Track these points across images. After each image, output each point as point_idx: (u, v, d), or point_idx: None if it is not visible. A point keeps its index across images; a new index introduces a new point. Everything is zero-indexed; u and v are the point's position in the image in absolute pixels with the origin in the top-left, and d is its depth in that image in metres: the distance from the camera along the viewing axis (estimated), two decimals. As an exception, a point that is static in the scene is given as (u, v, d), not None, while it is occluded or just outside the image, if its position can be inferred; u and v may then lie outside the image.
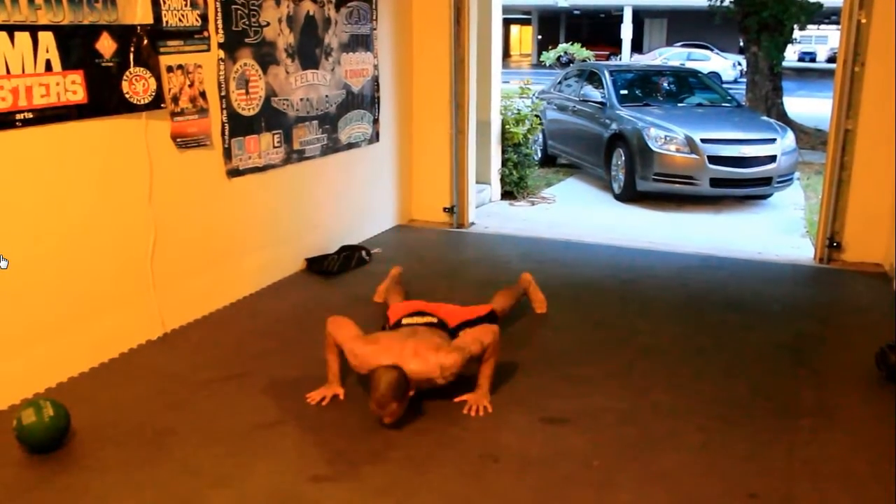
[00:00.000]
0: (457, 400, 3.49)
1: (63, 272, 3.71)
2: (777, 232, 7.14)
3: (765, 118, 10.05)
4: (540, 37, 45.46)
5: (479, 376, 3.57)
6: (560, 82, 11.02)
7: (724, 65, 30.30)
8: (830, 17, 24.57)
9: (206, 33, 4.37)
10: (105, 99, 3.79)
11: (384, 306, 4.36)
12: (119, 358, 4.00)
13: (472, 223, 6.93)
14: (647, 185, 8.19)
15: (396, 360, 3.32)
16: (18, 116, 3.39)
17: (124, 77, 3.88)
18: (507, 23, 39.21)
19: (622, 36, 27.83)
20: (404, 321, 3.83)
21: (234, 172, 4.71)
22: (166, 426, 3.35)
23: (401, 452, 3.14)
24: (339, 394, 3.60)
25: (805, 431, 3.34)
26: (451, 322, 3.88)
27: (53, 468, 3.03)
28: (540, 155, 10.33)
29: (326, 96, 5.51)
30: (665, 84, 10.29)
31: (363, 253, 5.69)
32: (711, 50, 32.29)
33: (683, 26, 38.33)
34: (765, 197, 8.50)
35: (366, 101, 6.00)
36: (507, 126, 8.18)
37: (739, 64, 27.71)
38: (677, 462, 3.09)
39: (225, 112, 4.58)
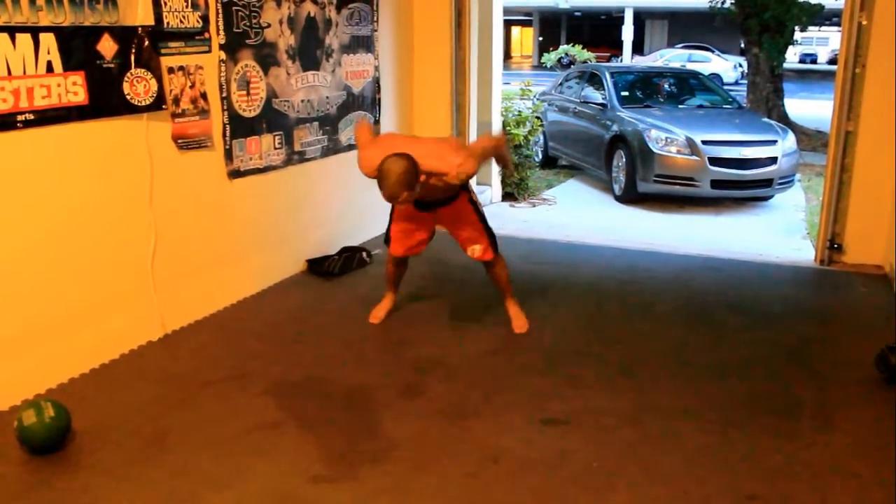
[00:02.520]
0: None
1: (64, 273, 3.72)
2: (778, 233, 7.14)
3: (766, 120, 10.05)
4: (541, 38, 45.48)
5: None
6: (561, 84, 11.02)
7: (724, 66, 30.30)
8: (832, 18, 24.55)
9: (207, 34, 4.38)
10: (106, 100, 3.80)
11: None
12: (120, 359, 4.00)
13: (473, 224, 6.91)
14: (647, 186, 8.19)
15: (412, 154, 3.46)
16: (20, 118, 3.40)
17: (125, 78, 3.89)
18: (507, 24, 39.26)
19: (623, 37, 27.84)
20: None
21: (235, 174, 4.72)
22: (166, 427, 3.35)
23: (401, 453, 3.14)
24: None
25: (805, 433, 3.34)
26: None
27: (54, 469, 3.04)
28: (541, 156, 10.33)
29: (327, 97, 5.52)
30: (666, 86, 10.29)
31: (364, 254, 5.70)
32: (712, 51, 32.30)
33: (684, 28, 38.37)
34: (766, 199, 8.50)
35: (366, 102, 6.01)
36: (508, 127, 8.18)
37: (740, 65, 27.70)
38: (677, 463, 3.09)
39: (226, 113, 4.58)
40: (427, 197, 3.86)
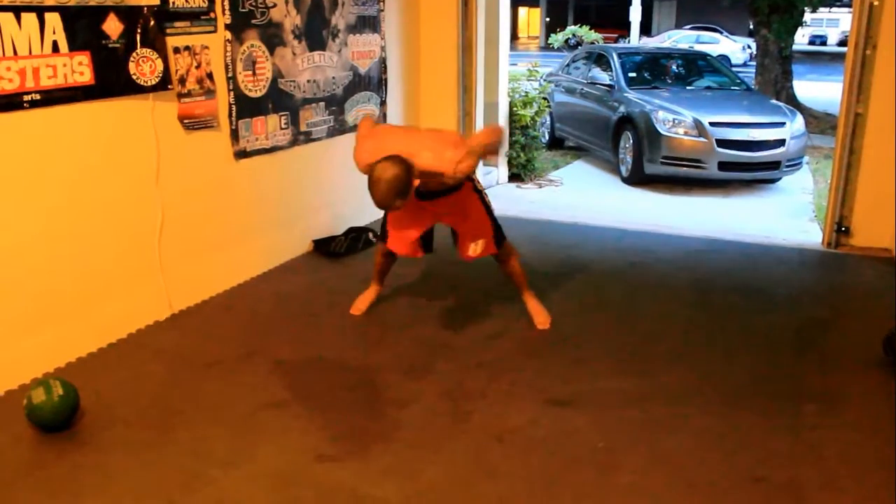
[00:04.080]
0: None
1: (71, 253, 3.73)
2: (785, 216, 7.12)
3: (774, 102, 9.98)
4: (548, 19, 45.22)
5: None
6: (568, 65, 10.97)
7: (733, 48, 30.07)
8: (842, -1, 24.32)
9: (212, 14, 4.36)
10: (112, 80, 3.79)
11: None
12: (127, 339, 4.02)
13: (479, 206, 6.91)
14: (654, 168, 8.16)
15: (407, 153, 3.23)
16: (26, 98, 3.40)
17: (131, 58, 3.88)
18: (514, 5, 39.00)
19: (631, 18, 27.60)
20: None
21: (241, 154, 4.71)
22: (174, 406, 3.37)
23: (407, 433, 3.16)
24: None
25: (811, 416, 3.34)
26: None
27: (63, 447, 3.06)
28: (547, 137, 10.30)
29: (333, 78, 5.50)
30: (674, 67, 10.22)
31: (370, 235, 5.69)
32: (721, 33, 32.05)
33: (693, 9, 38.06)
34: (773, 181, 8.46)
35: (373, 82, 5.99)
36: (515, 108, 8.15)
37: (749, 47, 27.50)
38: (681, 445, 3.10)
39: (232, 93, 4.57)
40: (427, 187, 3.66)
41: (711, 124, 7.98)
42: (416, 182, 3.23)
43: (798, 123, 8.37)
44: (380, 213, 6.31)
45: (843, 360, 3.90)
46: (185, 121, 4.26)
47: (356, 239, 5.57)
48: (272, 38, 4.83)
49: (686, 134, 8.01)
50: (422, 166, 3.25)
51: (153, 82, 4.01)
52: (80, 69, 3.62)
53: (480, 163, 6.88)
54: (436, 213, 3.95)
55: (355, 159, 3.56)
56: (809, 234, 6.35)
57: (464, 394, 3.49)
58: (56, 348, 3.68)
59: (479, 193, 4.03)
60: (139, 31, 3.90)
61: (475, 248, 3.96)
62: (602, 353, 3.94)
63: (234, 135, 4.64)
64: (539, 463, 2.98)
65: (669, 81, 9.81)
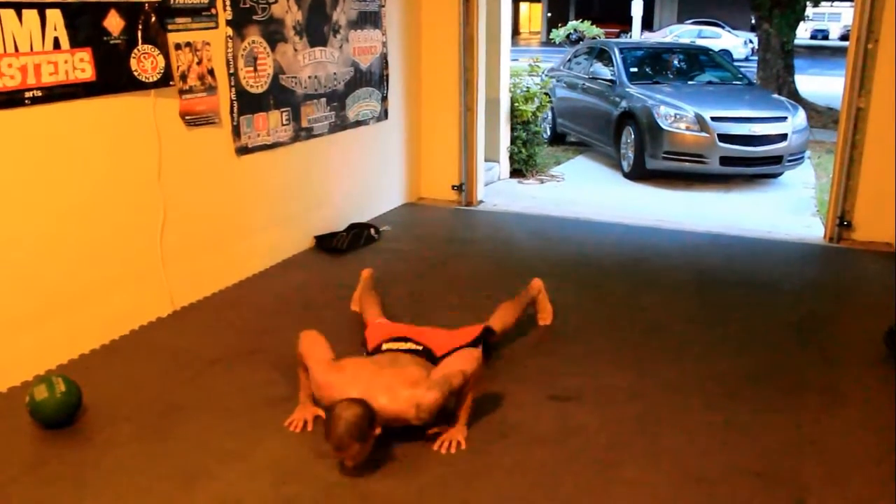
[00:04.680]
0: (430, 433, 3.07)
1: (73, 250, 3.73)
2: (787, 211, 7.11)
3: (776, 96, 9.97)
4: (549, 14, 45.10)
5: (458, 407, 3.11)
6: (569, 60, 10.95)
7: (735, 42, 30.01)
8: (844, -7, 24.26)
9: (213, 10, 4.36)
10: (113, 77, 3.79)
11: (363, 320, 3.94)
12: (129, 335, 4.03)
13: (481, 201, 6.92)
14: (656, 163, 8.15)
15: (364, 395, 2.88)
16: (27, 94, 3.40)
17: (132, 55, 3.88)
18: (516, 0, 38.90)
19: (632, 13, 27.54)
20: (385, 346, 3.41)
21: (242, 150, 4.72)
22: (176, 402, 3.38)
23: (408, 429, 3.15)
24: (320, 413, 3.16)
25: (812, 409, 3.34)
26: (439, 350, 3.38)
27: (65, 443, 3.07)
28: (549, 133, 10.29)
29: (334, 74, 5.50)
30: (675, 62, 10.20)
31: (372, 231, 5.70)
32: (722, 27, 31.98)
33: (694, 3, 37.95)
34: (775, 176, 8.45)
35: (374, 78, 5.98)
36: (517, 104, 8.14)
37: (751, 41, 27.44)
38: (684, 439, 3.10)
39: (233, 90, 4.57)
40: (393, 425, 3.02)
41: (713, 119, 7.96)
42: (378, 430, 2.84)
43: (800, 118, 8.35)
44: (380, 211, 6.35)
45: (844, 354, 3.90)
46: (187, 117, 4.26)
47: (358, 235, 5.57)
48: (273, 33, 4.83)
49: (688, 129, 8.00)
50: (380, 411, 2.87)
51: (154, 79, 4.01)
52: (81, 66, 3.62)
53: (482, 158, 6.92)
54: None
55: (316, 394, 3.15)
56: (811, 228, 6.34)
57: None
58: (58, 345, 3.69)
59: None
60: (140, 27, 3.89)
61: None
62: (604, 347, 3.94)
63: (236, 131, 4.64)
64: (541, 457, 2.98)
65: (671, 76, 9.80)
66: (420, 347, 3.38)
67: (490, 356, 3.67)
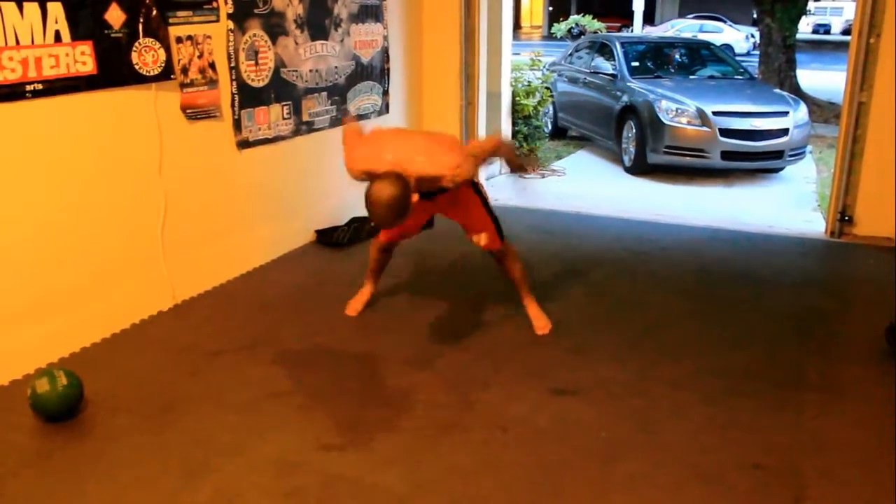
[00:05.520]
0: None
1: (74, 244, 3.74)
2: (788, 205, 7.10)
3: (777, 91, 9.94)
4: (551, 8, 45.01)
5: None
6: (571, 54, 10.93)
7: (736, 37, 29.93)
8: (846, -13, 24.19)
9: (215, 4, 4.35)
10: (114, 70, 3.79)
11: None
12: (131, 329, 4.03)
13: (482, 196, 6.91)
14: (657, 157, 8.14)
15: (400, 158, 3.10)
16: (28, 88, 3.40)
17: (133, 48, 3.87)
18: (517, -6, 38.74)
19: (634, 7, 27.51)
20: None
21: (243, 144, 4.71)
22: (178, 396, 3.38)
23: (410, 423, 3.17)
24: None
25: (812, 404, 3.35)
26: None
27: (67, 436, 3.07)
28: (550, 127, 10.27)
29: (336, 67, 5.49)
30: (677, 56, 10.19)
31: (373, 225, 5.69)
32: (724, 22, 31.91)
33: (696, -3, 37.85)
34: (776, 170, 8.44)
35: (375, 72, 5.98)
36: (518, 98, 8.13)
37: (752, 36, 27.36)
38: (684, 433, 3.11)
39: (234, 83, 4.57)
40: (424, 188, 3.35)
41: (714, 114, 7.96)
42: (415, 198, 3.05)
43: (801, 113, 8.34)
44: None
45: (845, 349, 3.90)
46: (188, 111, 4.26)
47: (359, 229, 5.57)
48: (274, 27, 4.82)
49: (689, 123, 7.99)
50: (418, 172, 3.09)
51: (156, 72, 4.01)
52: (82, 59, 3.62)
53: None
54: (433, 208, 3.87)
55: (347, 166, 3.41)
56: (812, 223, 6.34)
57: (467, 383, 3.50)
58: (60, 338, 3.69)
59: (477, 188, 3.89)
60: (142, 20, 3.89)
61: (480, 239, 3.79)
62: (604, 342, 3.95)
63: (237, 125, 4.64)
64: (542, 452, 2.99)
65: (672, 71, 9.78)
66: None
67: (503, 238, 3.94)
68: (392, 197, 2.97)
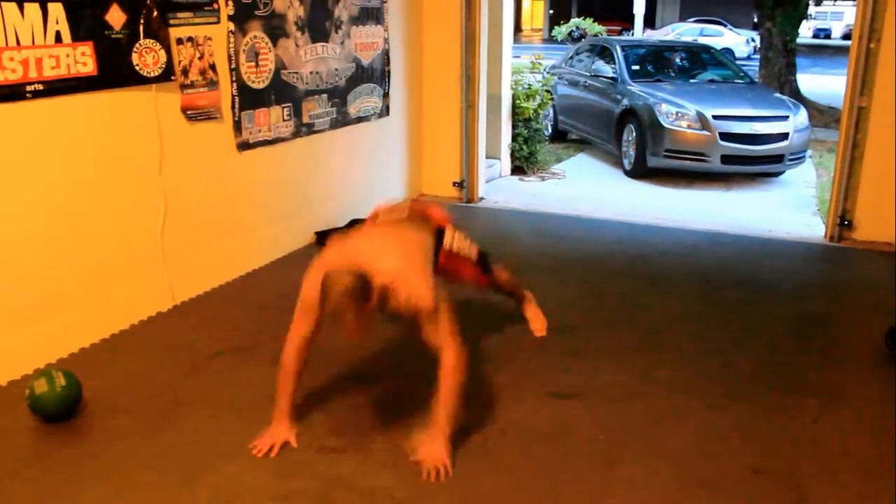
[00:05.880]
0: (413, 460, 2.89)
1: (74, 244, 3.73)
2: (788, 210, 7.10)
3: (778, 95, 9.95)
4: (552, 11, 45.01)
5: (436, 404, 2.89)
6: (571, 57, 10.94)
7: (737, 41, 29.96)
8: (846, -8, 24.22)
9: (215, 5, 4.36)
10: (115, 71, 3.79)
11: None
12: (130, 329, 4.03)
13: (482, 198, 6.92)
14: (657, 161, 8.14)
15: (367, 266, 2.75)
16: (28, 88, 3.40)
17: (134, 49, 3.87)
18: (518, -3, 38.76)
19: (634, 11, 27.51)
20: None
21: (244, 145, 4.71)
22: (177, 397, 3.38)
23: (409, 425, 3.16)
24: (290, 440, 2.98)
25: (812, 409, 3.34)
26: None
27: (65, 437, 3.07)
28: (550, 130, 10.27)
29: (336, 69, 5.49)
30: (677, 60, 10.19)
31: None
32: (725, 26, 31.94)
33: (697, 1, 37.88)
34: (776, 174, 8.44)
35: (376, 74, 5.98)
36: (518, 101, 8.13)
37: (753, 40, 27.40)
38: (682, 437, 3.10)
39: (235, 85, 4.57)
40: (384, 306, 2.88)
41: (715, 117, 7.96)
42: (373, 302, 2.72)
43: (801, 117, 8.34)
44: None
45: (845, 353, 3.90)
46: (188, 112, 4.26)
47: (358, 231, 5.57)
48: (275, 29, 4.82)
49: (689, 127, 8.00)
50: (378, 274, 2.74)
51: (156, 73, 4.01)
52: (83, 60, 3.62)
53: (483, 155, 6.91)
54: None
55: (317, 272, 2.92)
56: (812, 227, 6.34)
57: (467, 385, 3.48)
58: (59, 338, 3.69)
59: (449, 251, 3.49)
60: (142, 21, 3.89)
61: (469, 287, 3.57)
62: (603, 345, 3.95)
63: (237, 126, 4.64)
64: (540, 455, 2.98)
65: (673, 74, 9.79)
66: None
67: (486, 268, 3.70)
68: (350, 277, 2.67)
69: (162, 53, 4.02)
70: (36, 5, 3.37)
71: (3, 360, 3.43)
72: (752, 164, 8.11)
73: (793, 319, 4.31)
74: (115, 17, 3.75)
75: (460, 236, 3.52)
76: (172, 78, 4.11)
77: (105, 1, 3.69)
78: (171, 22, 4.07)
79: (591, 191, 7.75)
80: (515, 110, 8.10)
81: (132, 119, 3.96)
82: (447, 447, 2.88)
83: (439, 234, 3.45)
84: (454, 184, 6.78)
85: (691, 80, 9.63)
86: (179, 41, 4.14)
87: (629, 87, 8.88)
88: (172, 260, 4.27)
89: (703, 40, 23.96)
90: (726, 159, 7.94)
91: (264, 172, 4.94)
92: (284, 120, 5.03)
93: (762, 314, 4.37)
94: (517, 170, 8.24)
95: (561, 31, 18.99)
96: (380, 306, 2.78)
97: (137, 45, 3.89)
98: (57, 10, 3.46)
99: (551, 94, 9.22)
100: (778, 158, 8.08)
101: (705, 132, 7.92)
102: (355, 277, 2.69)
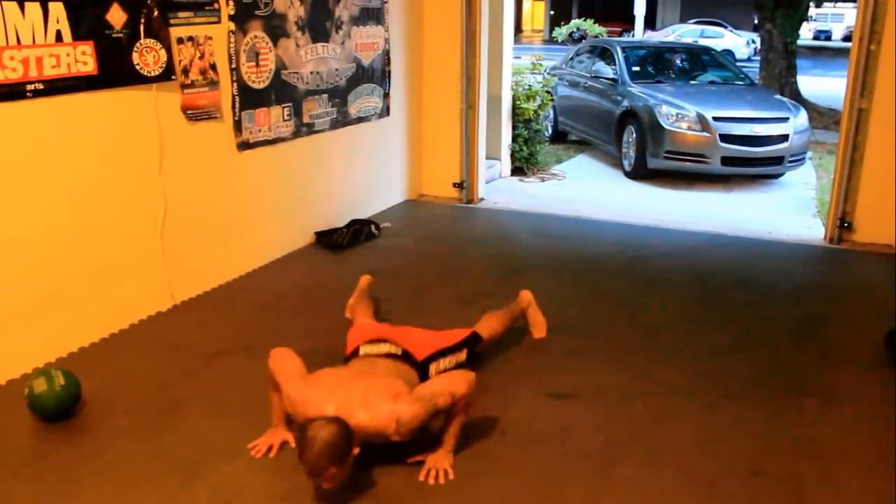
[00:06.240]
0: (411, 461, 2.90)
1: (74, 243, 3.73)
2: (788, 211, 7.10)
3: (778, 97, 9.95)
4: (552, 12, 45.00)
5: (444, 432, 2.91)
6: (572, 58, 10.94)
7: (737, 42, 29.97)
8: (847, -6, 24.24)
9: (216, 5, 4.36)
10: (115, 70, 3.79)
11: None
12: (129, 329, 4.03)
13: (482, 199, 6.92)
14: (657, 162, 8.14)
15: (340, 411, 2.67)
16: (29, 87, 3.40)
17: (135, 48, 3.87)
18: (519, -2, 38.76)
19: (635, 12, 27.50)
20: (362, 350, 3.24)
21: (244, 145, 4.71)
22: (176, 396, 3.38)
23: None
24: (289, 440, 2.99)
25: (811, 410, 3.34)
26: (420, 353, 3.25)
27: (64, 436, 3.07)
28: (550, 131, 10.28)
29: (336, 70, 5.49)
30: (677, 61, 10.19)
31: (372, 227, 5.70)
32: (725, 27, 31.95)
33: (697, 3, 37.89)
34: (776, 176, 8.44)
35: (376, 74, 5.98)
36: (518, 102, 8.14)
37: (753, 42, 27.41)
38: (682, 438, 3.10)
39: (235, 84, 4.57)
40: (374, 441, 2.82)
41: (715, 119, 7.96)
42: (356, 451, 2.62)
43: (802, 118, 8.34)
44: (380, 208, 6.35)
45: (844, 355, 3.90)
46: (189, 112, 4.26)
47: (358, 231, 5.57)
48: (275, 29, 4.82)
49: (689, 128, 7.99)
50: (358, 427, 2.66)
51: (157, 73, 4.01)
52: (83, 59, 3.62)
53: (483, 156, 6.91)
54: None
55: (290, 410, 2.85)
56: (812, 229, 6.34)
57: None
58: (58, 338, 3.69)
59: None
60: (143, 21, 3.89)
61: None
62: (603, 346, 3.95)
63: (237, 126, 4.64)
64: (540, 456, 2.98)
65: (673, 76, 9.79)
66: (399, 351, 3.20)
67: (475, 364, 3.51)
68: (329, 437, 2.52)
69: (162, 53, 4.02)
70: (37, 4, 3.37)
71: (2, 359, 3.43)
72: (752, 166, 8.11)
73: (793, 321, 4.31)
74: (116, 16, 3.75)
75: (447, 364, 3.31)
76: (173, 77, 4.11)
77: (106, 0, 3.69)
78: (172, 21, 4.07)
79: (591, 192, 7.74)
80: (516, 111, 8.10)
81: (132, 118, 3.96)
82: (449, 457, 2.92)
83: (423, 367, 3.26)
84: (454, 184, 6.78)
85: (692, 82, 9.63)
86: (180, 41, 4.14)
87: (629, 89, 8.88)
88: (172, 260, 4.27)
89: (703, 42, 24.00)
90: (726, 161, 7.94)
91: (264, 172, 4.94)
92: (285, 120, 5.03)
93: (762, 315, 4.37)
94: (517, 170, 8.24)
95: (561, 32, 18.98)
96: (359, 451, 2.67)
97: (138, 44, 3.89)
98: (57, 10, 3.46)
99: (551, 95, 9.23)
100: (778, 160, 8.07)
101: (705, 134, 7.91)
102: (336, 427, 2.56)
